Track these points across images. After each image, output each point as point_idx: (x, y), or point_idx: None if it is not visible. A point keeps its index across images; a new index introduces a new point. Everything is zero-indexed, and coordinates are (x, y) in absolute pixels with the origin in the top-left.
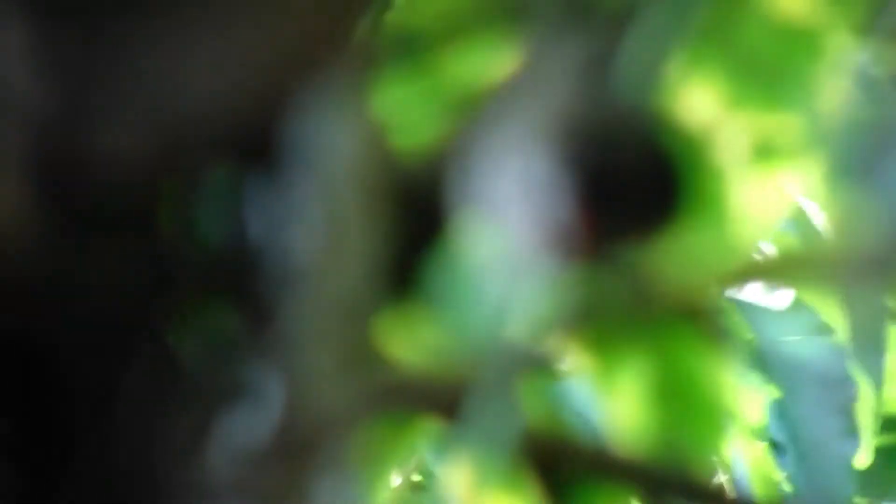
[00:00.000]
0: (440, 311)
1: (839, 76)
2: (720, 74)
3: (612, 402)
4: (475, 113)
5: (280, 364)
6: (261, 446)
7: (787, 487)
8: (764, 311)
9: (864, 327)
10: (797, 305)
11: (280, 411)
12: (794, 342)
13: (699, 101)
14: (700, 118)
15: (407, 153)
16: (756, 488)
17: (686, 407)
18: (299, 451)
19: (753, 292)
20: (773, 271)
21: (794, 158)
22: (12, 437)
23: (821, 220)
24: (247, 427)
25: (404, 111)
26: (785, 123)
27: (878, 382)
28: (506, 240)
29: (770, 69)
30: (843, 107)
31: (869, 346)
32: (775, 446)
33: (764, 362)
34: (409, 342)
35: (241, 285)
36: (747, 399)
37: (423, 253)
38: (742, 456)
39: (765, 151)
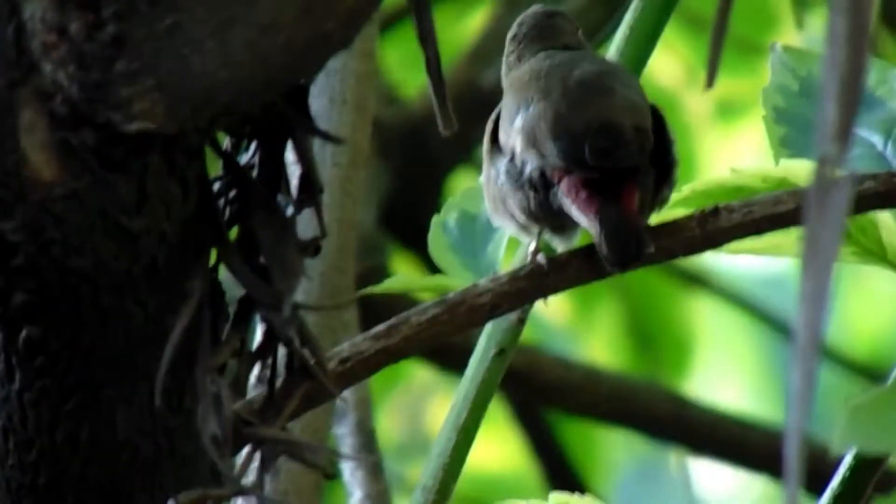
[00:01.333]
0: (440, 254)
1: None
2: (683, 42)
3: (589, 342)
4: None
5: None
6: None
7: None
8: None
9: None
10: None
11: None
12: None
13: (668, 66)
14: (668, 82)
15: (407, 105)
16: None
17: (655, 342)
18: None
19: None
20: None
21: (749, 118)
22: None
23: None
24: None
25: (403, 66)
26: (740, 88)
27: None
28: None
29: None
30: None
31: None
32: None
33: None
34: (408, 281)
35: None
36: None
37: (427, 196)
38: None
39: (725, 111)
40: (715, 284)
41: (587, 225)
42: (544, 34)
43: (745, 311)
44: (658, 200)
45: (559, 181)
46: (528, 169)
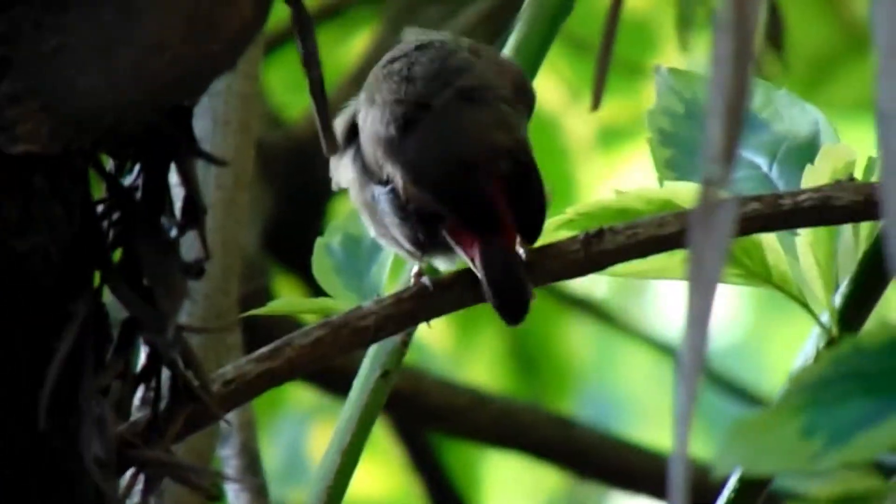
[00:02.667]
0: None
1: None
2: (566, 65)
3: (472, 366)
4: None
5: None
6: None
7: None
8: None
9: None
10: None
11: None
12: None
13: (550, 90)
14: (550, 107)
15: (291, 128)
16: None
17: (536, 365)
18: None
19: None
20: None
21: (631, 142)
22: None
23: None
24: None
25: (287, 89)
26: (623, 110)
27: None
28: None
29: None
30: (663, 95)
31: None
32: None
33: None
34: (293, 303)
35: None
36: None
37: (309, 218)
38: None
39: (608, 134)
40: (596, 307)
41: (473, 268)
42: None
43: (627, 333)
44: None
45: (444, 219)
46: (411, 206)
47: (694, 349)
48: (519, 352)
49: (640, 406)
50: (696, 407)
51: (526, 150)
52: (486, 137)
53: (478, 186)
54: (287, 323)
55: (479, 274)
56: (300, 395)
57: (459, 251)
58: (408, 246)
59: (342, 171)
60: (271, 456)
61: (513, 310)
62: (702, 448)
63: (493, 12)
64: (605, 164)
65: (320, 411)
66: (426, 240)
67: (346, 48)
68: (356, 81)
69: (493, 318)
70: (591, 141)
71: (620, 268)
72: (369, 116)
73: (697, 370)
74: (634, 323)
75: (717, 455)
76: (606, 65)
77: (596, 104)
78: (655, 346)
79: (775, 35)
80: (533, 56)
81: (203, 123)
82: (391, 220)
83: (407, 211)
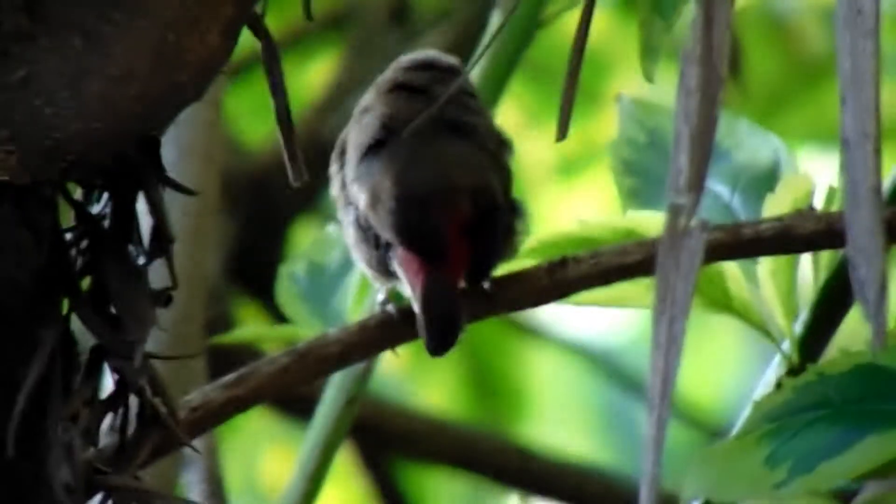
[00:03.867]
0: (289, 303)
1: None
2: (525, 92)
3: (429, 392)
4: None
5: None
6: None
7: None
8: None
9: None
10: None
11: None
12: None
13: (508, 117)
14: (509, 133)
15: (252, 154)
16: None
17: (493, 391)
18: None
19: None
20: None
21: (593, 171)
22: None
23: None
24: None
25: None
26: (583, 140)
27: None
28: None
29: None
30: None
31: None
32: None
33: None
34: (259, 331)
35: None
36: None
37: (271, 245)
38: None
39: (568, 164)
40: (553, 335)
41: (413, 299)
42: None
43: (584, 361)
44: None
45: (395, 247)
46: (370, 230)
47: (662, 376)
48: (475, 377)
49: (594, 430)
50: (664, 434)
51: (488, 192)
52: (449, 172)
53: (427, 218)
54: (248, 349)
55: (415, 303)
56: (251, 419)
57: (405, 279)
58: (367, 271)
59: (333, 188)
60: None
61: (440, 342)
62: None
63: (454, 39)
64: (561, 191)
65: (273, 436)
66: (379, 268)
67: (306, 74)
68: (318, 109)
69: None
70: (549, 168)
71: (583, 296)
72: (351, 135)
73: (666, 397)
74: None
75: (685, 482)
76: (572, 95)
77: (562, 134)
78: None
79: (733, 63)
80: (497, 83)
81: (168, 151)
82: (353, 241)
83: (367, 234)
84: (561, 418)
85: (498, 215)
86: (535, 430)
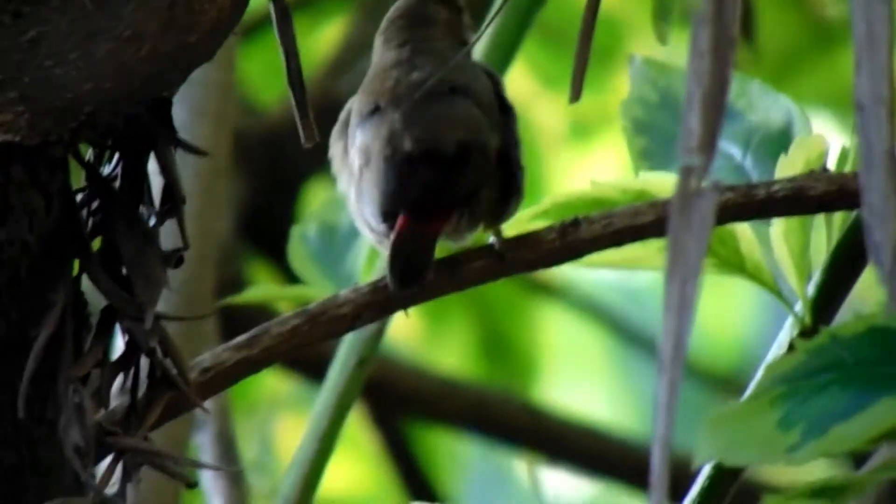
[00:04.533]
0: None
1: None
2: (537, 56)
3: (441, 353)
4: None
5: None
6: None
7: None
8: None
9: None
10: None
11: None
12: None
13: (520, 82)
14: (521, 97)
15: (265, 115)
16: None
17: (506, 351)
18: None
19: None
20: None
21: (606, 134)
22: None
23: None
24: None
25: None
26: (597, 104)
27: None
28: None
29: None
30: (638, 84)
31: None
32: None
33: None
34: (271, 291)
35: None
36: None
37: (283, 205)
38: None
39: (579, 130)
40: (567, 294)
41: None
42: (414, 23)
43: (599, 321)
44: (505, 209)
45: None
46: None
47: (675, 337)
48: (488, 337)
49: (609, 391)
50: (676, 396)
51: (477, 147)
52: (437, 129)
53: (410, 175)
54: (260, 309)
55: (385, 253)
56: (267, 383)
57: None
58: (367, 233)
59: (334, 148)
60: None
61: (400, 279)
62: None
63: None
64: (575, 154)
65: (288, 401)
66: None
67: (318, 35)
68: (331, 69)
69: (463, 304)
70: (562, 131)
71: (595, 257)
72: (354, 103)
73: (679, 359)
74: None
75: (697, 445)
76: (586, 56)
77: (576, 96)
78: (627, 332)
79: (746, 26)
80: (508, 47)
81: (180, 112)
82: (354, 207)
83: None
84: (575, 379)
85: (470, 166)
86: (549, 390)
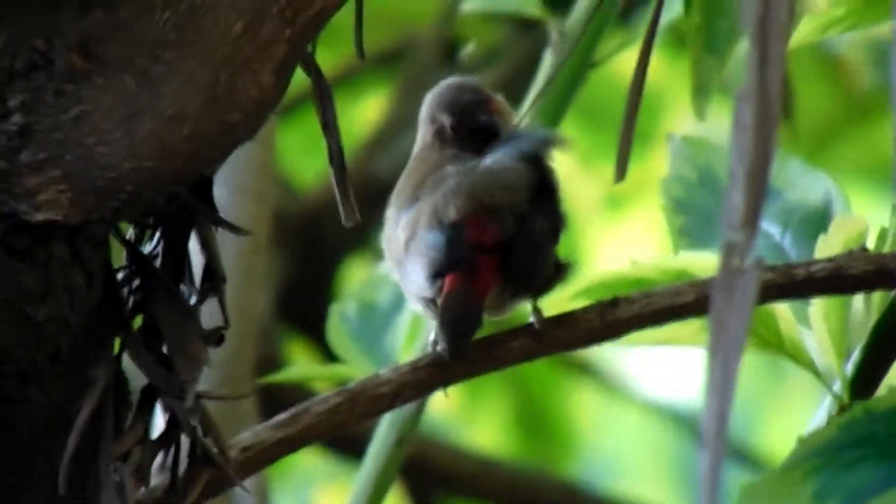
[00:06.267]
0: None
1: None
2: (576, 129)
3: (477, 430)
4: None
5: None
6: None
7: None
8: None
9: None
10: None
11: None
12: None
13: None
14: (560, 170)
15: (305, 192)
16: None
17: (540, 430)
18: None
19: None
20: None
21: (640, 208)
22: None
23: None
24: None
25: (303, 153)
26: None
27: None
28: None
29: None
30: (677, 162)
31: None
32: None
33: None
34: (310, 370)
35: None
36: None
37: (321, 283)
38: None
39: (615, 202)
40: (604, 375)
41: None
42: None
43: (634, 402)
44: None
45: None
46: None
47: (716, 417)
48: (524, 414)
49: (634, 464)
50: (719, 474)
51: (520, 212)
52: (481, 194)
53: (454, 238)
54: (301, 388)
55: (436, 318)
56: (301, 457)
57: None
58: (416, 304)
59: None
60: None
61: (452, 342)
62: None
63: (505, 77)
64: (610, 226)
65: (323, 474)
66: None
67: (357, 109)
68: (370, 147)
69: (500, 382)
70: (597, 201)
71: (634, 336)
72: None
73: (721, 437)
74: (631, 385)
75: None
76: (630, 138)
77: (620, 175)
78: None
79: (785, 103)
80: (549, 123)
81: (219, 190)
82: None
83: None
84: (613, 458)
85: (531, 233)
86: (585, 468)
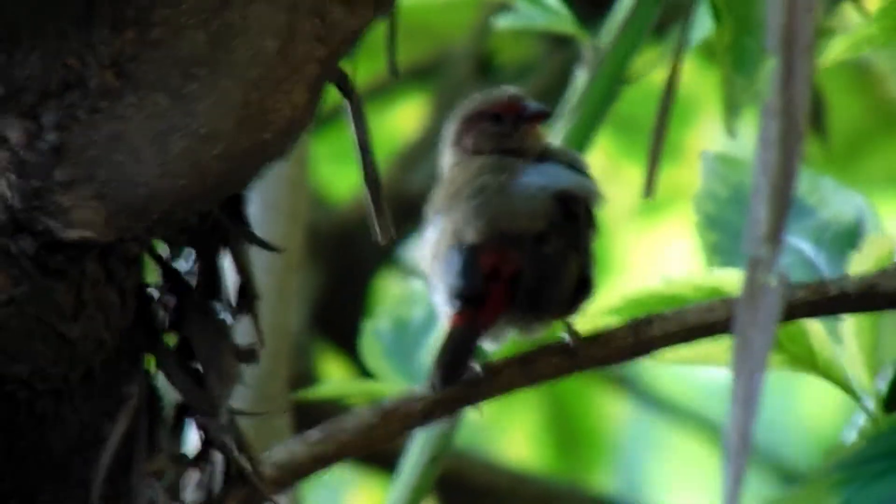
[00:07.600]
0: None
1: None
2: (609, 133)
3: (509, 439)
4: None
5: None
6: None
7: None
8: None
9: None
10: None
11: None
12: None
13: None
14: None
15: (338, 207)
16: None
17: (572, 439)
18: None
19: None
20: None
21: (672, 214)
22: None
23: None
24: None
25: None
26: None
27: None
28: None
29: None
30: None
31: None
32: None
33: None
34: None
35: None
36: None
37: (354, 299)
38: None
39: (647, 207)
40: (639, 386)
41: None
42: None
43: (670, 413)
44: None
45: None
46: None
47: (740, 431)
48: (557, 426)
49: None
50: (742, 487)
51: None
52: (500, 220)
53: (468, 265)
54: (334, 405)
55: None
56: (334, 471)
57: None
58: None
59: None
60: None
61: (440, 380)
62: None
63: (538, 91)
64: (641, 229)
65: (356, 487)
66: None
67: (389, 121)
68: (402, 163)
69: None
70: (628, 207)
71: (667, 354)
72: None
73: (744, 452)
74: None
75: None
76: (659, 151)
77: (649, 190)
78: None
79: (816, 116)
80: (582, 138)
81: (253, 208)
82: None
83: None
84: (643, 468)
85: (540, 260)
86: (617, 480)
